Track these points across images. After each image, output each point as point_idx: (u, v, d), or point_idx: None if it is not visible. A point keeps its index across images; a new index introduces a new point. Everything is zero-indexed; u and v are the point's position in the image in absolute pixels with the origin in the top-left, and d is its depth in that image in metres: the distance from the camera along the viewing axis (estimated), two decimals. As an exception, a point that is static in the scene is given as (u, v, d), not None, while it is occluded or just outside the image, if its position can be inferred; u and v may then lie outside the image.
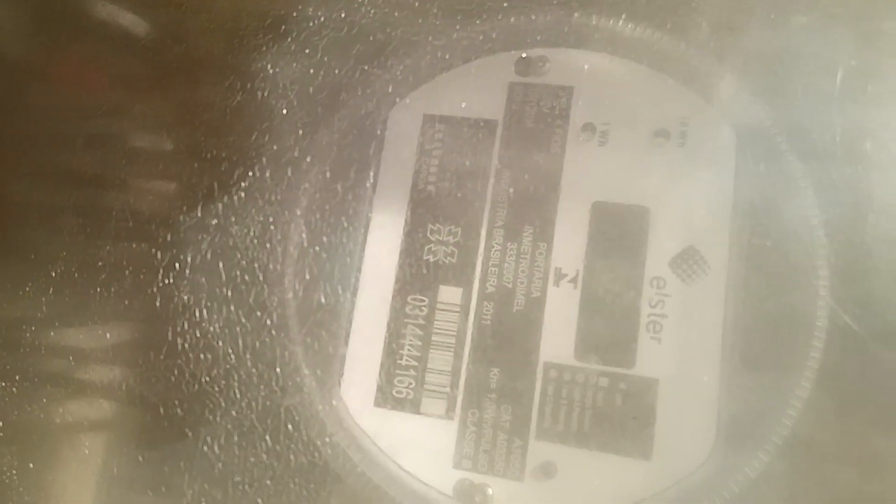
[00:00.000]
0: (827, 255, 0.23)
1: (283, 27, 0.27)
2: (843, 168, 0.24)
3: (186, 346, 0.25)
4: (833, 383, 0.22)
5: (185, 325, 0.25)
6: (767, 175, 0.24)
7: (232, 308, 0.25)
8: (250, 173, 0.26)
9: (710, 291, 0.24)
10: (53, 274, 0.27)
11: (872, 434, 0.22)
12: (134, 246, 0.26)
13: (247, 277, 0.25)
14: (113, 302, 0.26)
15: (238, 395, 0.24)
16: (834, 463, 0.22)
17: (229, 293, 0.25)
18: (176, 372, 0.25)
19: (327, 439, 0.24)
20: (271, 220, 0.25)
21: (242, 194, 0.25)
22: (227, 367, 0.24)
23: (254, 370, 0.24)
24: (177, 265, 0.26)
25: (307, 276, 0.25)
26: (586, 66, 0.26)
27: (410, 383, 0.25)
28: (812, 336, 0.23)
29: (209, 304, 0.25)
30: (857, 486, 0.22)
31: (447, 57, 0.27)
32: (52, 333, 0.27)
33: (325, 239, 0.25)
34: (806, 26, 0.25)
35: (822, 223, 0.24)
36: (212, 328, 0.25)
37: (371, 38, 0.26)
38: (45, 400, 0.27)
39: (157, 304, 0.26)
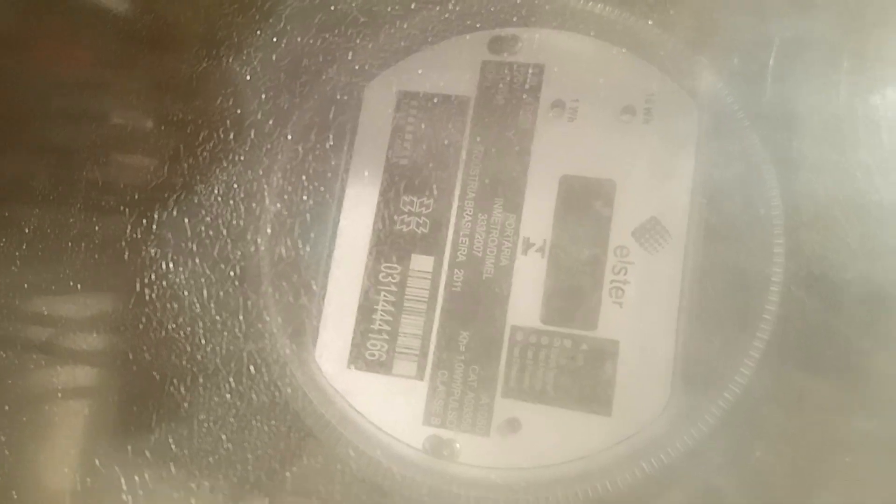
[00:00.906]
0: (783, 227, 0.26)
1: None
2: (801, 143, 0.26)
3: (154, 295, 0.28)
4: (782, 345, 0.25)
5: (153, 277, 0.28)
6: (727, 150, 0.27)
7: (197, 261, 0.28)
8: (215, 135, 0.28)
9: (670, 259, 0.26)
10: (27, 230, 0.29)
11: (818, 395, 0.25)
12: (103, 203, 0.28)
13: (211, 232, 0.28)
14: (83, 256, 0.28)
15: (203, 341, 0.27)
16: (780, 417, 0.25)
17: (194, 247, 0.28)
18: (144, 320, 0.27)
19: (303, 396, 0.27)
20: (234, 179, 0.28)
21: (207, 155, 0.28)
22: (193, 315, 0.27)
23: (217, 318, 0.27)
24: (144, 221, 0.28)
25: (268, 231, 0.28)
26: (557, 45, 0.29)
27: (383, 346, 0.27)
28: (765, 300, 0.25)
29: (175, 257, 0.27)
30: (797, 432, 0.25)
31: (422, 35, 0.29)
32: (25, 286, 0.29)
33: (285, 197, 0.28)
34: (770, 5, 0.28)
35: (778, 195, 0.26)
36: (177, 279, 0.27)
37: (341, 12, 0.29)
38: (19, 347, 0.29)
39: (126, 256, 0.28)
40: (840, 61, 0.27)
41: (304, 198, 0.27)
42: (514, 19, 0.28)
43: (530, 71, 0.28)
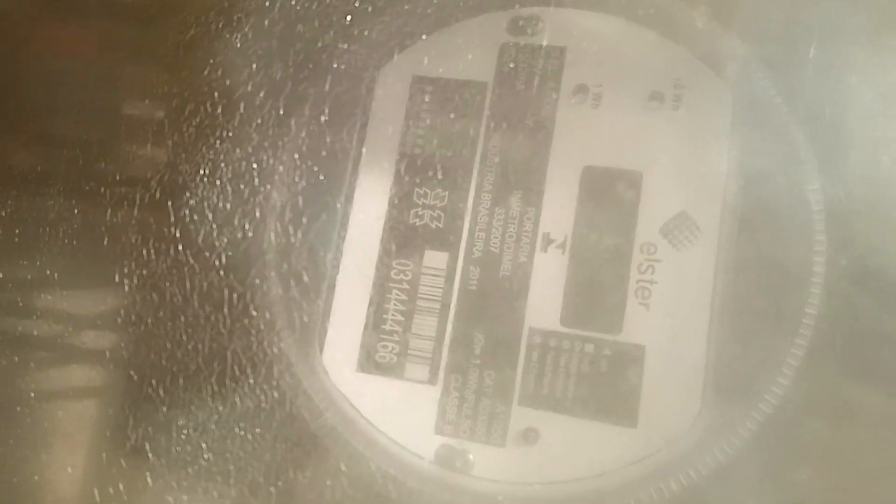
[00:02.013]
0: (824, 221, 0.24)
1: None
2: (843, 133, 0.24)
3: (132, 286, 0.26)
4: (825, 351, 0.23)
5: (132, 266, 0.26)
6: (764, 139, 0.25)
7: (179, 248, 0.26)
8: (201, 109, 0.26)
9: (701, 257, 0.24)
10: (3, 214, 0.28)
11: (862, 404, 0.23)
12: (82, 184, 0.27)
13: (195, 217, 0.26)
14: (60, 243, 0.27)
15: (184, 338, 0.25)
16: (822, 432, 0.23)
17: (177, 233, 0.26)
18: (122, 313, 0.26)
19: (307, 401, 0.25)
20: (221, 157, 0.26)
21: (193, 131, 0.26)
22: (174, 308, 0.25)
23: (200, 312, 0.25)
24: (124, 204, 0.27)
25: (257, 215, 0.26)
26: (580, 27, 0.27)
27: (394, 348, 0.25)
28: (805, 303, 0.23)
29: (156, 244, 0.26)
30: (843, 450, 0.23)
31: (437, 16, 0.27)
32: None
33: (276, 178, 0.26)
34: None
35: (819, 189, 0.24)
36: (158, 269, 0.26)
37: (357, 7, 0.27)
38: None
39: (105, 243, 0.26)
40: (884, 39, 0.25)
41: (297, 178, 0.25)
42: None
43: (552, 54, 0.27)
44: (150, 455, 0.24)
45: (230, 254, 0.25)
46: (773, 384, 0.23)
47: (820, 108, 0.24)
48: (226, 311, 0.24)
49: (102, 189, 0.26)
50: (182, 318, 0.24)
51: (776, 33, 0.25)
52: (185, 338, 0.24)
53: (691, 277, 0.24)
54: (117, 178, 0.26)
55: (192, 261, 0.25)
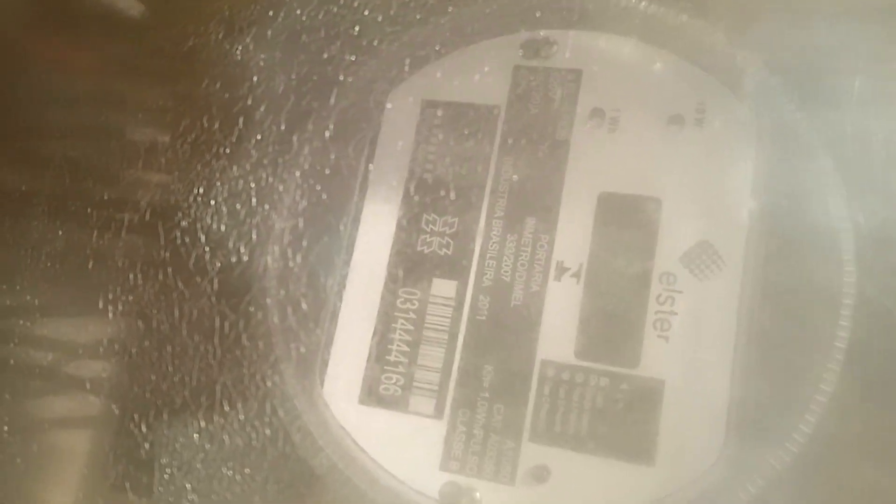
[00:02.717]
0: (854, 252, 0.22)
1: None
2: (873, 157, 0.23)
3: (117, 313, 0.25)
4: (854, 389, 0.21)
5: (118, 291, 0.25)
6: (790, 165, 0.24)
7: (169, 272, 0.25)
8: (197, 124, 0.25)
9: (723, 288, 0.23)
10: None
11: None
12: (68, 204, 0.26)
13: (186, 239, 0.25)
14: (43, 265, 0.26)
15: (170, 369, 0.24)
16: (852, 467, 0.21)
17: (167, 256, 0.25)
18: (104, 342, 0.25)
19: (306, 435, 0.24)
20: (217, 175, 0.25)
21: (188, 148, 0.25)
22: (160, 337, 0.24)
23: (189, 341, 0.24)
24: (111, 225, 0.25)
25: (253, 238, 0.25)
26: (596, 49, 0.26)
27: (399, 380, 0.24)
28: (835, 335, 0.22)
29: (144, 268, 0.25)
30: (879, 490, 0.21)
31: (450, 38, 0.27)
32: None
33: (275, 197, 0.25)
34: (833, 6, 0.25)
35: (848, 217, 0.23)
36: (145, 295, 0.25)
37: (367, 15, 0.26)
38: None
39: (90, 267, 0.25)
40: None
41: (298, 198, 0.24)
42: (550, 20, 0.26)
43: (566, 77, 0.26)
44: (130, 494, 0.23)
45: (223, 279, 0.23)
46: (801, 421, 0.21)
47: (846, 130, 0.23)
48: (216, 340, 0.23)
49: (88, 209, 0.25)
50: (169, 348, 0.23)
51: (800, 55, 0.24)
52: (171, 369, 0.23)
53: (714, 309, 0.23)
54: (105, 197, 0.25)
55: (181, 286, 0.24)
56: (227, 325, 0.23)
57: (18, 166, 0.26)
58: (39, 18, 0.28)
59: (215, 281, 0.23)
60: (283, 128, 0.24)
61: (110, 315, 0.24)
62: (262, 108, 0.24)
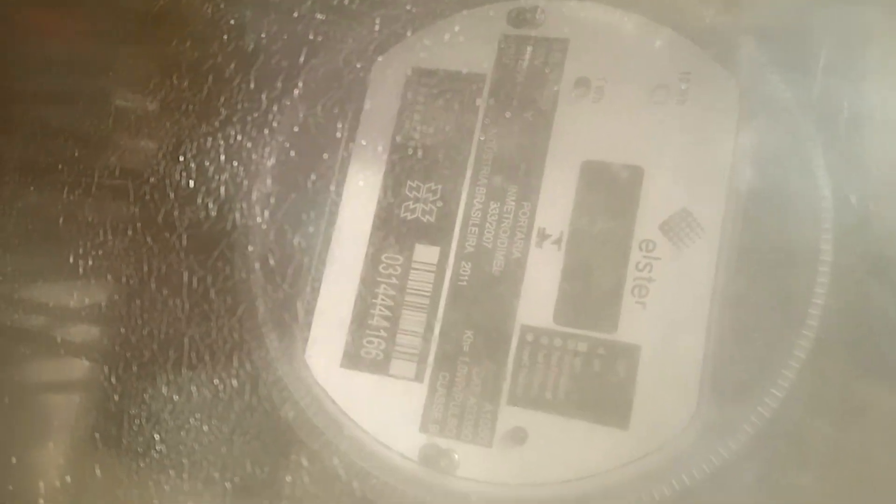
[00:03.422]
0: (832, 220, 0.23)
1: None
2: (851, 126, 0.23)
3: (87, 268, 0.25)
4: (831, 348, 0.22)
5: (88, 246, 0.25)
6: (772, 135, 0.24)
7: (138, 227, 0.25)
8: (167, 82, 0.25)
9: (701, 256, 0.23)
10: None
11: (871, 403, 0.22)
12: (39, 160, 0.26)
13: (155, 195, 0.25)
14: (14, 221, 0.26)
15: (139, 322, 0.24)
16: (824, 432, 0.22)
17: (136, 211, 0.25)
18: (74, 296, 0.25)
19: (287, 397, 0.24)
20: (186, 133, 0.25)
21: (157, 105, 0.25)
22: (129, 291, 0.24)
23: (158, 296, 0.24)
24: (82, 181, 0.26)
25: (222, 195, 0.25)
26: (583, 18, 0.26)
27: (380, 344, 0.25)
28: (810, 300, 0.22)
29: (114, 223, 0.25)
30: (849, 452, 0.21)
31: (436, 6, 0.27)
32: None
33: (244, 154, 0.25)
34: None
35: (827, 185, 0.23)
36: (115, 249, 0.25)
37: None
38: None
39: (60, 223, 0.25)
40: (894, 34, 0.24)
41: (266, 153, 0.24)
42: None
43: (553, 46, 0.26)
44: (99, 445, 0.23)
45: (191, 235, 0.24)
46: (774, 384, 0.22)
47: (828, 101, 0.24)
48: (184, 294, 0.23)
49: (60, 166, 0.25)
50: (138, 302, 0.24)
51: (784, 26, 0.24)
52: (140, 322, 0.23)
53: (691, 276, 0.23)
54: (74, 153, 0.25)
55: (150, 242, 0.24)
56: (195, 279, 0.23)
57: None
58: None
59: (184, 236, 0.24)
60: (252, 86, 0.24)
61: (80, 270, 0.24)
62: (232, 66, 0.24)
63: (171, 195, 0.24)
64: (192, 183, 0.24)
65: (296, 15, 0.25)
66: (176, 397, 0.23)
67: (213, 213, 0.23)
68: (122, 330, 0.23)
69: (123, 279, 0.24)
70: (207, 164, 0.24)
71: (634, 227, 0.23)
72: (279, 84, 0.25)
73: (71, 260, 0.24)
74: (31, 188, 0.25)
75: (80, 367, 0.24)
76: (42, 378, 0.25)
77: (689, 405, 0.22)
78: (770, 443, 0.21)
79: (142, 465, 0.23)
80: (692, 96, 0.24)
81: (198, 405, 0.23)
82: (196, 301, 0.23)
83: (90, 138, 0.25)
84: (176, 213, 0.24)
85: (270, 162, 0.25)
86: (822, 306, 0.22)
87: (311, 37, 0.25)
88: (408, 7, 0.26)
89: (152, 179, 0.24)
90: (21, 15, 0.28)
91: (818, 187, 0.23)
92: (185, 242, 0.23)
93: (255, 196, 0.24)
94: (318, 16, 0.25)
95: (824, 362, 0.21)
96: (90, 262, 0.24)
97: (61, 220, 0.25)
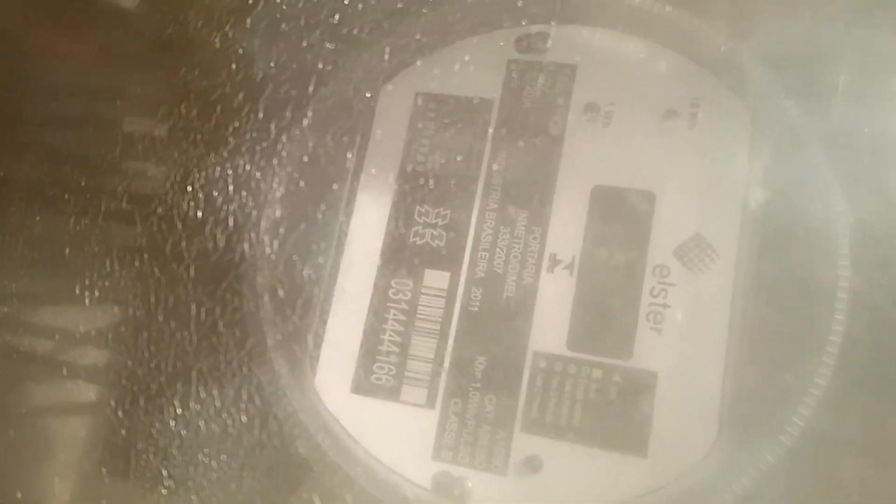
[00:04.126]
0: (849, 245, 0.22)
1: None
2: (867, 151, 0.23)
3: (94, 299, 0.24)
4: (848, 383, 0.21)
5: (94, 277, 0.24)
6: (784, 159, 0.23)
7: (145, 258, 0.24)
8: (175, 112, 0.25)
9: (717, 281, 0.23)
10: None
11: (889, 439, 0.21)
12: (46, 188, 0.25)
13: (163, 226, 0.24)
14: (20, 251, 0.25)
15: (146, 355, 0.23)
16: (846, 461, 0.21)
17: (143, 242, 0.24)
18: (80, 328, 0.24)
19: (296, 424, 0.23)
20: (194, 162, 0.24)
21: (164, 135, 0.24)
22: (136, 323, 0.23)
23: (165, 328, 0.23)
24: (88, 211, 0.25)
25: (230, 226, 0.24)
26: (591, 43, 0.25)
27: (391, 370, 0.24)
28: (829, 328, 0.21)
29: (120, 254, 0.24)
30: (873, 484, 0.20)
31: (443, 32, 0.26)
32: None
33: (252, 185, 0.24)
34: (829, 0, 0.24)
35: (842, 210, 0.22)
36: (121, 281, 0.24)
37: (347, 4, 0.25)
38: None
39: (66, 253, 0.24)
40: None
41: (276, 185, 0.23)
42: (544, 14, 0.25)
43: (561, 71, 0.26)
44: (106, 481, 0.22)
45: (200, 265, 0.23)
46: (795, 414, 0.21)
47: (840, 124, 0.23)
48: (192, 327, 0.22)
49: (66, 195, 0.24)
50: (145, 334, 0.22)
51: (794, 49, 0.23)
52: (147, 355, 0.22)
53: (707, 302, 0.22)
54: (81, 183, 0.24)
55: (158, 272, 0.23)
56: (203, 311, 0.22)
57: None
58: (21, 7, 0.27)
59: (191, 268, 0.22)
60: (261, 116, 0.23)
61: (86, 301, 0.23)
62: (241, 96, 0.23)
63: (179, 225, 0.23)
64: (200, 213, 0.22)
65: (304, 44, 0.24)
66: (184, 432, 0.22)
67: (222, 244, 0.22)
68: (129, 362, 0.22)
69: (130, 310, 0.23)
70: (216, 193, 0.23)
71: (648, 252, 0.23)
72: (288, 113, 0.24)
73: (77, 290, 0.23)
74: (38, 217, 0.24)
75: (86, 401, 0.23)
76: (47, 411, 0.24)
77: (709, 433, 0.21)
78: (791, 473, 0.20)
79: (150, 501, 0.21)
80: (703, 121, 0.24)
81: (206, 440, 0.22)
82: (204, 333, 0.22)
83: (98, 166, 0.24)
84: (184, 243, 0.22)
85: (279, 192, 0.24)
86: (843, 333, 0.21)
87: (319, 66, 0.23)
88: (417, 36, 0.25)
89: (160, 209, 0.23)
90: (31, 40, 0.27)
91: (834, 213, 0.22)
92: (192, 273, 0.22)
93: (263, 226, 0.23)
94: (328, 45, 0.24)
95: (846, 389, 0.20)
96: (96, 293, 0.23)
97: (68, 249, 0.24)
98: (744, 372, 0.21)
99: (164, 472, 0.22)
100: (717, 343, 0.22)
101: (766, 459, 0.20)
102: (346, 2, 0.25)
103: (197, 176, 0.24)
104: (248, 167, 0.24)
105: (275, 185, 0.24)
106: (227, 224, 0.23)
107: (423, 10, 0.25)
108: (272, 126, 0.24)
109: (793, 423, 0.21)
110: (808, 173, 0.22)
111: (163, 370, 0.22)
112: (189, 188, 0.24)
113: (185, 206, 0.23)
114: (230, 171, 0.23)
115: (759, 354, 0.21)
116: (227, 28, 0.24)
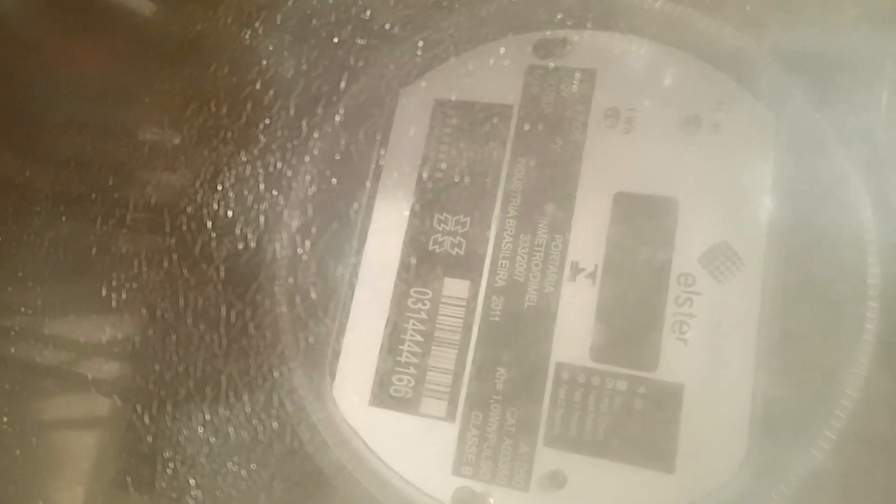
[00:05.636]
0: (878, 251, 0.20)
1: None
2: (891, 155, 0.21)
3: (121, 301, 0.22)
4: (885, 386, 0.19)
5: (121, 279, 0.22)
6: (809, 164, 0.22)
7: (174, 259, 0.22)
8: (205, 109, 0.23)
9: (744, 290, 0.21)
10: None
11: None
12: (72, 189, 0.24)
13: (193, 225, 0.22)
14: (45, 252, 0.23)
15: (175, 359, 0.21)
16: (885, 477, 0.19)
17: (172, 242, 0.22)
18: (107, 331, 0.22)
19: (315, 436, 0.21)
20: (224, 160, 0.23)
21: (194, 133, 0.23)
22: (164, 326, 0.22)
23: (194, 331, 0.22)
24: (116, 211, 0.23)
25: (261, 225, 0.23)
26: (611, 48, 0.24)
27: (410, 381, 0.22)
28: (860, 337, 0.20)
29: (149, 255, 0.22)
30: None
31: (462, 38, 0.24)
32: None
33: (283, 183, 0.22)
34: (852, 5, 0.22)
35: (870, 216, 0.20)
36: (149, 282, 0.22)
37: (380, 14, 0.24)
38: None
39: (93, 253, 0.23)
40: None
41: (308, 179, 0.22)
42: (563, 20, 0.24)
43: (581, 76, 0.24)
44: (131, 490, 0.20)
45: (230, 266, 0.21)
46: (826, 426, 0.19)
47: (864, 128, 0.21)
48: (222, 329, 0.21)
49: (93, 195, 0.23)
50: (173, 337, 0.21)
51: (816, 53, 0.21)
52: (175, 359, 0.21)
53: (734, 311, 0.21)
54: (109, 182, 0.23)
55: (186, 273, 0.21)
56: (233, 313, 0.21)
57: (21, 152, 0.24)
58: (43, 13, 0.26)
59: (221, 268, 0.21)
60: (291, 112, 0.22)
61: (113, 303, 0.21)
62: (271, 93, 0.22)
63: (209, 224, 0.21)
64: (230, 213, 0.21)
65: (336, 41, 0.22)
66: (213, 439, 0.20)
67: (252, 244, 0.21)
68: (157, 367, 0.21)
69: (158, 313, 0.21)
70: (246, 192, 0.21)
71: (672, 260, 0.21)
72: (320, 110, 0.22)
73: (104, 292, 0.22)
74: (63, 218, 0.23)
75: (111, 406, 0.21)
76: (71, 417, 0.23)
77: (740, 448, 0.19)
78: (825, 487, 0.18)
79: None
80: (725, 126, 0.22)
81: (235, 448, 0.20)
82: (234, 336, 0.20)
83: (125, 167, 0.23)
84: (213, 244, 0.21)
85: (301, 193, 0.22)
86: (873, 340, 0.19)
87: (350, 62, 0.22)
88: (450, 31, 0.23)
89: (189, 209, 0.21)
90: (53, 45, 0.25)
91: (861, 218, 0.20)
92: (222, 274, 0.21)
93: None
94: (359, 41, 0.22)
95: (878, 398, 0.18)
96: (123, 295, 0.22)
97: (94, 250, 0.23)
98: (774, 383, 0.19)
99: (192, 482, 0.20)
100: (746, 354, 0.20)
101: (798, 474, 0.18)
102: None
103: (227, 174, 0.22)
104: (279, 165, 0.22)
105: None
106: (258, 223, 0.21)
107: (443, 3, 0.23)
108: (283, 114, 0.22)
109: (825, 436, 0.19)
110: (834, 179, 0.21)
111: (191, 374, 0.21)
112: (219, 187, 0.22)
113: (203, 203, 0.22)
114: (260, 170, 0.22)
115: (789, 364, 0.20)
116: (256, 25, 0.22)
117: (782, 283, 0.20)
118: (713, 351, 0.20)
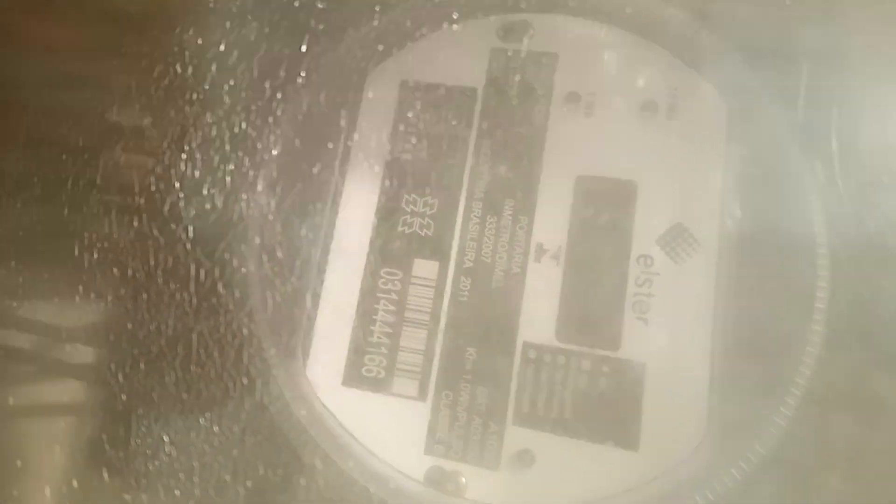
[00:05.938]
0: (827, 236, 0.19)
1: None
2: (842, 140, 0.20)
3: (93, 260, 0.20)
4: (838, 363, 0.18)
5: (93, 238, 0.21)
6: (762, 149, 0.21)
7: (144, 218, 0.20)
8: (171, 70, 0.21)
9: (700, 270, 0.20)
10: None
11: (882, 418, 0.18)
12: (42, 151, 0.22)
13: (161, 185, 0.20)
14: (18, 211, 0.22)
15: (146, 317, 0.20)
16: (840, 452, 0.18)
17: (141, 202, 0.20)
18: (80, 289, 0.21)
19: (288, 416, 0.20)
20: (191, 121, 0.20)
21: (161, 94, 0.21)
22: (136, 285, 0.20)
23: (165, 289, 0.20)
24: (87, 171, 0.21)
25: (227, 185, 0.20)
26: (572, 33, 0.22)
27: (381, 361, 0.20)
28: (811, 319, 0.18)
29: (119, 215, 0.20)
30: (864, 472, 0.18)
31: (426, 20, 0.22)
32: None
33: (248, 144, 0.20)
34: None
35: (819, 198, 0.19)
36: (121, 242, 0.20)
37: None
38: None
39: (65, 213, 0.21)
40: (882, 51, 0.21)
41: (272, 139, 0.19)
42: (526, 4, 0.23)
43: (543, 60, 0.23)
44: (106, 447, 0.18)
45: (198, 226, 0.19)
46: (782, 402, 0.18)
47: (818, 115, 0.21)
48: (192, 288, 0.18)
49: (63, 156, 0.21)
50: (144, 296, 0.19)
51: (772, 41, 0.20)
52: (147, 317, 0.18)
53: (691, 291, 0.20)
54: (79, 143, 0.21)
55: (156, 233, 0.19)
56: (202, 272, 0.19)
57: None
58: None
59: (189, 228, 0.19)
60: (255, 74, 0.19)
61: (85, 263, 0.20)
62: (235, 54, 0.19)
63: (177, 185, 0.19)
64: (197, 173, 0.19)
65: (297, 4, 0.20)
66: (185, 396, 0.18)
67: (220, 205, 0.18)
68: (129, 325, 0.19)
69: (129, 272, 0.19)
70: (212, 153, 0.19)
71: (631, 242, 0.20)
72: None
73: (76, 252, 0.20)
74: (35, 178, 0.21)
75: (86, 366, 0.20)
76: (46, 377, 0.21)
77: (700, 424, 0.18)
78: (783, 464, 0.17)
79: (151, 468, 0.19)
80: (681, 112, 0.22)
81: (207, 404, 0.18)
82: (203, 295, 0.18)
83: (94, 128, 0.21)
84: (182, 203, 0.19)
85: (267, 154, 0.20)
86: (825, 321, 0.18)
87: (311, 24, 0.20)
88: (415, 12, 0.21)
89: (158, 169, 0.19)
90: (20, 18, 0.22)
91: (811, 200, 0.19)
92: (191, 234, 0.18)
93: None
94: (319, 4, 0.20)
95: (831, 373, 0.17)
96: (95, 255, 0.19)
97: (66, 211, 0.21)
98: (730, 362, 0.19)
99: (166, 438, 0.18)
100: (703, 333, 0.19)
101: (755, 450, 0.17)
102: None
103: (194, 135, 0.19)
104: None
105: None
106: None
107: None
108: (247, 76, 0.20)
109: (781, 413, 0.18)
110: (784, 164, 0.19)
111: (163, 332, 0.19)
112: (186, 147, 0.19)
113: (171, 163, 0.19)
114: (226, 131, 0.19)
115: (744, 344, 0.19)
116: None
117: (736, 264, 0.20)
118: (672, 330, 0.19)
